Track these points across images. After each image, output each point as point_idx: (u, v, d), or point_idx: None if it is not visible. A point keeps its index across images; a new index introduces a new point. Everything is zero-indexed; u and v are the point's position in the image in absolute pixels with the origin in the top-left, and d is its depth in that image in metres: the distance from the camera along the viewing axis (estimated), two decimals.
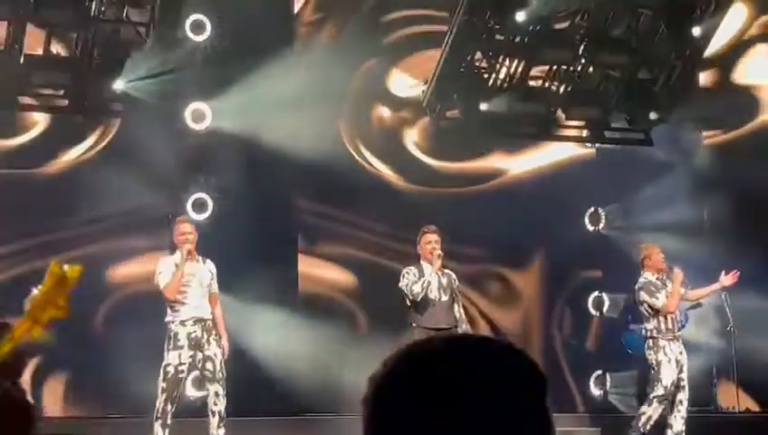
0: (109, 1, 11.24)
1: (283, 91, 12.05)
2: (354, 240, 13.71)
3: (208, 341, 9.46)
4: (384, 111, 14.23)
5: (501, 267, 14.53)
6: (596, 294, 14.71)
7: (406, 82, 14.07)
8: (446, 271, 10.13)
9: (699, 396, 12.35)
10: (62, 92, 11.71)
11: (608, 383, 14.54)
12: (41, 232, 12.31)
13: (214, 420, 9.44)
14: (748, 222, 13.98)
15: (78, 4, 10.98)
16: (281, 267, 12.72)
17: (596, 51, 12.84)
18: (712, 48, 13.82)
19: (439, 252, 9.95)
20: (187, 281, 9.48)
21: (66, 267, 3.20)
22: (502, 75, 12.90)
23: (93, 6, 11.12)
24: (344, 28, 13.92)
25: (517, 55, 12.83)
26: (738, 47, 15.25)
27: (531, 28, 12.50)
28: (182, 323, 9.42)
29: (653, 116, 13.40)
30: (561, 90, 13.20)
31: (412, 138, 14.28)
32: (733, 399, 13.69)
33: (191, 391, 11.71)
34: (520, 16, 12.28)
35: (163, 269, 9.56)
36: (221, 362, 9.47)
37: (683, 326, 11.48)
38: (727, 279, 11.04)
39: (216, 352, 9.47)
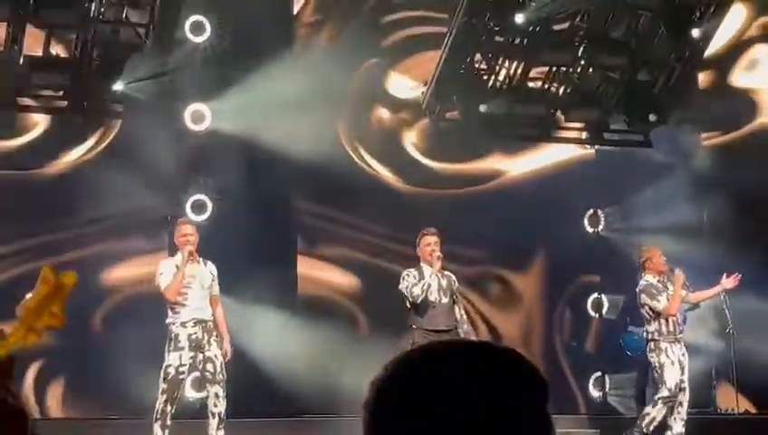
0: (108, 2, 11.24)
1: (283, 93, 12.05)
2: (353, 242, 13.71)
3: (209, 342, 9.46)
4: (383, 113, 14.23)
5: (500, 269, 14.53)
6: (595, 295, 14.72)
7: (405, 84, 14.07)
8: (446, 273, 10.12)
9: (698, 398, 12.34)
10: (61, 93, 11.71)
11: (607, 385, 14.55)
12: (40, 233, 12.30)
13: (213, 422, 9.44)
14: (748, 223, 13.99)
15: (77, 5, 10.99)
16: (280, 269, 12.72)
17: (595, 52, 12.85)
18: (711, 49, 13.82)
19: (439, 254, 9.94)
20: (187, 282, 9.47)
21: (61, 274, 3.19)
22: (501, 77, 12.91)
23: (93, 7, 11.12)
24: (344, 29, 13.92)
25: (517, 57, 12.84)
26: (738, 47, 15.25)
27: (530, 30, 12.51)
28: (183, 324, 9.42)
29: (652, 118, 13.40)
30: (561, 91, 13.21)
31: (411, 139, 14.27)
32: (732, 400, 13.69)
33: (191, 393, 11.72)
34: (519, 18, 12.29)
35: (164, 271, 9.56)
36: (221, 364, 9.46)
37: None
38: (729, 282, 11.04)
39: (217, 353, 9.47)
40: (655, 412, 10.60)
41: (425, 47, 13.86)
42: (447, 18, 12.89)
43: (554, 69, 13.11)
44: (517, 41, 12.75)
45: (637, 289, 10.85)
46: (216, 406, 9.42)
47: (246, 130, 12.44)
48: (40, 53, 11.28)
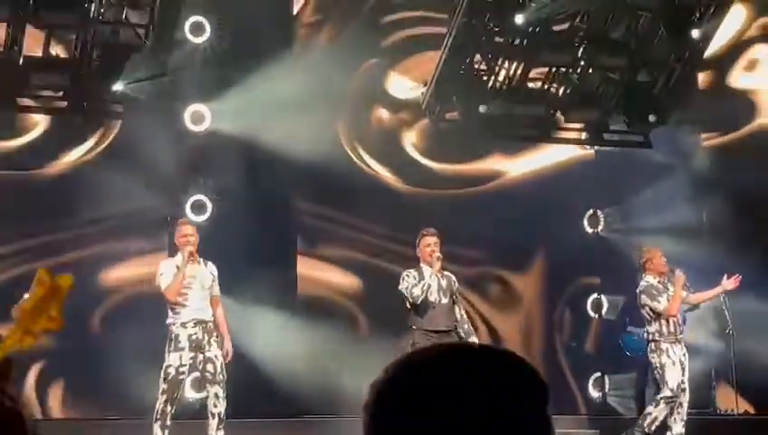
0: (108, 2, 11.24)
1: (283, 93, 12.06)
2: (353, 242, 13.71)
3: (209, 342, 9.46)
4: (383, 113, 14.23)
5: (500, 270, 14.53)
6: (594, 296, 14.72)
7: (405, 84, 14.08)
8: (446, 273, 10.12)
9: (698, 398, 12.34)
10: (61, 94, 11.70)
11: (606, 385, 14.55)
12: (40, 233, 12.31)
13: (213, 422, 9.44)
14: (747, 224, 14.00)
15: (77, 6, 10.98)
16: (280, 269, 12.73)
17: (595, 53, 12.84)
18: (711, 49, 13.81)
19: (439, 254, 9.94)
20: (188, 283, 9.47)
21: (57, 277, 3.18)
22: (501, 77, 12.91)
23: (93, 8, 11.12)
24: (343, 30, 13.92)
25: (516, 57, 12.84)
26: (737, 48, 15.26)
27: (530, 30, 12.50)
28: (183, 325, 9.42)
29: (652, 118, 13.40)
30: (561, 92, 13.21)
31: (411, 139, 14.28)
32: (731, 401, 13.69)
33: (190, 393, 11.72)
34: (519, 19, 12.29)
35: (164, 271, 9.56)
36: (221, 364, 9.46)
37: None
38: (730, 283, 11.03)
39: (217, 353, 9.47)
40: (657, 412, 10.59)
41: (424, 48, 13.86)
42: (447, 19, 12.89)
43: (554, 69, 13.11)
44: (517, 41, 12.75)
45: (637, 290, 10.85)
46: (215, 406, 9.42)
47: (246, 131, 12.44)
48: (40, 54, 11.28)
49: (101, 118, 12.40)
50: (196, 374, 9.94)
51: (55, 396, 12.33)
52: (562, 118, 13.43)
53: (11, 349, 3.19)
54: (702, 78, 15.06)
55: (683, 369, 10.67)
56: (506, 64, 12.87)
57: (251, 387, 11.64)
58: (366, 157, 13.97)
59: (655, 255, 10.82)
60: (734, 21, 14.53)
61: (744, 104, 15.38)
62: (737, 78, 15.40)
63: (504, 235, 13.85)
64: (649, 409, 10.74)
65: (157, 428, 9.31)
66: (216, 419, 9.43)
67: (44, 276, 3.20)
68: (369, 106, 14.10)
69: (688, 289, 10.92)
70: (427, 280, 9.87)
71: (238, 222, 12.34)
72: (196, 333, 9.42)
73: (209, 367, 9.44)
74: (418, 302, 9.80)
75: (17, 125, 12.46)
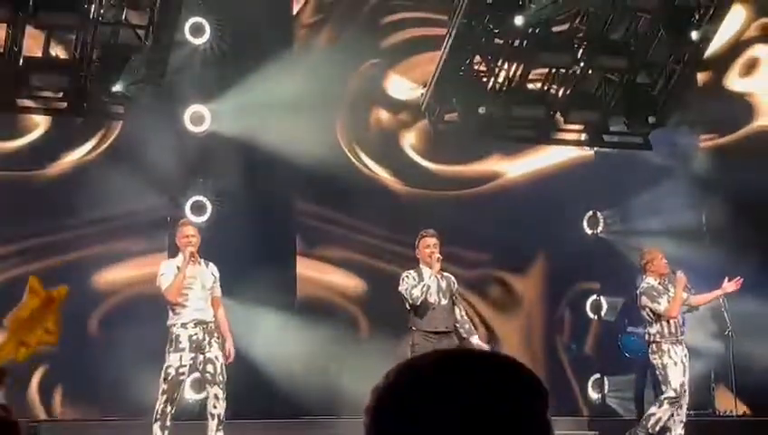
0: (108, 3, 11.23)
1: (282, 94, 12.07)
2: (352, 243, 13.72)
3: (210, 343, 9.46)
4: (382, 114, 14.24)
5: (499, 271, 14.54)
6: (594, 297, 14.73)
7: (404, 85, 14.08)
8: (446, 274, 10.11)
9: (697, 400, 12.35)
10: (60, 95, 11.70)
11: (606, 387, 14.56)
12: (41, 234, 12.31)
13: (213, 423, 9.43)
14: (746, 226, 14.00)
15: (77, 7, 10.98)
16: (279, 270, 12.73)
17: (595, 54, 12.85)
18: (710, 51, 13.81)
19: (438, 255, 9.94)
20: (189, 283, 9.47)
21: (50, 289, 3.18)
22: (501, 78, 12.91)
23: (93, 9, 11.12)
24: (343, 30, 13.93)
25: (516, 59, 12.84)
26: (737, 48, 15.26)
27: (530, 31, 12.51)
28: (183, 325, 9.42)
29: (651, 120, 13.41)
30: (560, 93, 13.21)
31: (410, 141, 14.28)
32: (730, 402, 13.69)
33: (190, 394, 11.72)
34: (519, 20, 12.29)
35: (165, 271, 9.56)
36: (222, 365, 9.46)
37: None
38: (730, 285, 11.02)
39: (218, 354, 9.46)
40: (660, 413, 10.58)
41: (424, 49, 13.87)
42: (447, 20, 12.89)
43: (554, 71, 13.12)
44: (517, 43, 12.76)
45: (637, 291, 10.84)
46: (215, 407, 9.42)
47: (246, 132, 12.46)
48: (40, 55, 11.28)
49: (101, 119, 12.40)
50: (197, 375, 9.95)
51: (55, 397, 12.33)
52: (562, 119, 13.44)
53: (5, 360, 3.19)
54: (701, 79, 15.06)
55: (684, 370, 10.66)
56: (506, 66, 12.88)
57: (250, 388, 11.64)
58: (365, 158, 13.98)
59: (656, 256, 10.82)
60: (733, 22, 14.53)
61: (743, 105, 15.38)
62: (736, 79, 15.41)
63: (503, 236, 13.86)
64: (653, 409, 10.73)
65: (156, 428, 9.30)
66: (216, 420, 9.42)
67: (36, 285, 3.20)
68: (368, 107, 14.11)
69: (689, 291, 10.91)
70: (426, 281, 9.87)
71: (238, 223, 12.35)
72: (196, 334, 9.42)
73: (209, 368, 9.44)
74: (418, 303, 9.80)
75: (18, 126, 12.47)
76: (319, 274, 13.59)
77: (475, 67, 12.92)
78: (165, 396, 9.32)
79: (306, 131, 12.32)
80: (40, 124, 12.52)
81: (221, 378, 9.43)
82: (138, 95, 11.56)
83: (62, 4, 10.96)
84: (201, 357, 9.43)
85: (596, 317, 14.76)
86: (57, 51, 11.70)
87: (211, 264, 9.75)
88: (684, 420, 10.70)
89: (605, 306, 14.70)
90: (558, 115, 13.36)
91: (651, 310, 10.63)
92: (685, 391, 10.66)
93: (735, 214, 14.10)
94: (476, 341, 10.05)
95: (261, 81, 12.30)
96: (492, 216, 13.92)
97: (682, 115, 13.92)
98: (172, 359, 9.36)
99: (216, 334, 9.52)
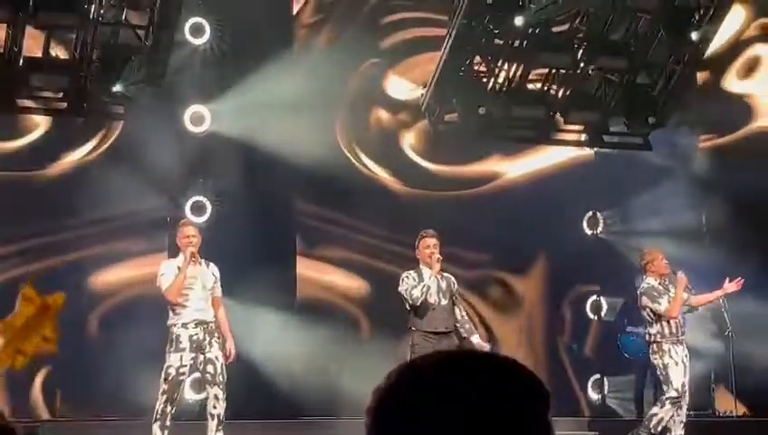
0: (108, 3, 11.23)
1: (282, 94, 12.08)
2: (353, 243, 13.72)
3: (210, 343, 9.46)
4: (382, 114, 14.24)
5: (499, 272, 14.53)
6: (594, 298, 14.73)
7: (404, 85, 14.08)
8: (445, 274, 10.12)
9: (697, 400, 12.35)
10: (60, 95, 11.70)
11: (606, 387, 14.56)
12: (41, 234, 12.31)
13: (212, 424, 9.43)
14: (746, 226, 14.00)
15: (77, 7, 10.98)
16: (279, 270, 12.73)
17: (595, 55, 12.84)
18: (710, 51, 13.81)
19: (438, 256, 9.94)
20: (189, 284, 9.48)
21: (48, 296, 3.18)
22: (501, 79, 12.91)
23: (93, 9, 11.12)
24: (343, 30, 13.93)
25: (516, 59, 12.84)
26: (736, 47, 15.27)
27: (530, 32, 12.51)
28: (184, 325, 9.42)
29: (651, 120, 13.41)
30: (560, 94, 13.21)
31: (409, 141, 14.28)
32: (730, 403, 13.69)
33: (190, 394, 11.72)
34: (519, 20, 12.29)
35: (166, 271, 9.57)
36: (222, 365, 9.46)
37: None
38: (731, 286, 11.02)
39: (218, 354, 9.47)
40: (663, 413, 10.58)
41: (424, 49, 13.87)
42: (447, 20, 12.89)
43: (554, 71, 13.11)
44: (517, 43, 12.75)
45: (638, 291, 10.84)
46: (215, 408, 9.42)
47: (245, 132, 12.46)
48: (39, 55, 11.28)
49: (101, 119, 12.40)
50: (197, 375, 9.95)
51: (56, 397, 12.32)
52: (562, 119, 13.44)
53: (2, 369, 3.18)
54: (701, 80, 15.06)
55: (685, 370, 10.66)
56: (506, 66, 12.87)
57: (250, 388, 11.64)
58: (365, 158, 13.98)
59: (656, 257, 10.82)
60: (732, 22, 14.53)
61: (742, 105, 15.39)
62: (736, 79, 15.41)
63: (503, 236, 13.86)
64: (655, 409, 10.72)
65: (156, 428, 9.31)
66: (216, 420, 9.42)
67: (30, 293, 3.20)
68: (368, 107, 14.11)
69: (690, 291, 10.91)
70: (426, 282, 9.87)
71: (238, 223, 12.35)
72: (197, 334, 9.42)
73: (209, 368, 9.44)
74: (418, 303, 9.80)
75: (18, 126, 12.47)
76: (319, 274, 13.59)
77: (476, 67, 12.92)
78: (165, 396, 9.32)
79: (306, 131, 12.32)
80: (40, 124, 12.52)
81: (221, 378, 9.43)
82: (138, 95, 11.56)
83: (62, 4, 10.96)
84: (201, 357, 9.43)
85: (596, 318, 14.76)
86: (57, 51, 11.69)
87: (212, 264, 9.75)
88: (684, 420, 10.71)
89: (605, 307, 14.70)
90: (558, 115, 13.36)
91: (652, 310, 10.64)
92: (685, 392, 10.66)
93: (735, 214, 14.11)
94: (477, 340, 10.05)
95: (261, 81, 12.30)
96: (492, 216, 13.92)
97: (682, 116, 13.92)
98: (172, 359, 9.37)
99: (216, 335, 9.52)
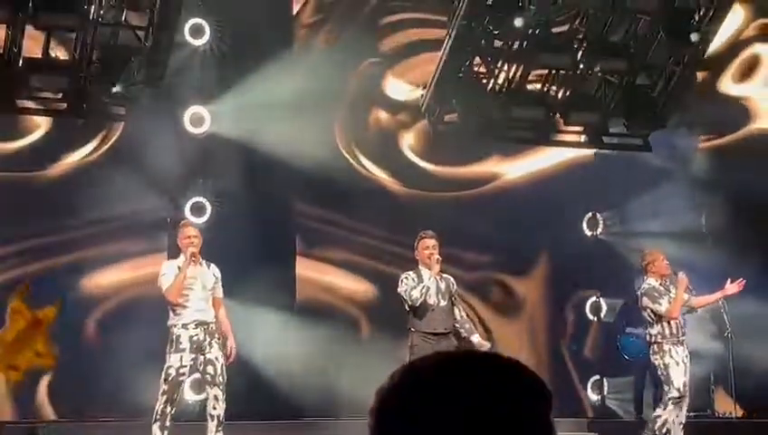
0: (108, 4, 11.23)
1: (282, 95, 12.08)
2: (352, 244, 13.72)
3: (210, 344, 9.46)
4: (381, 115, 14.24)
5: (499, 273, 14.53)
6: (593, 299, 14.72)
7: (403, 86, 14.09)
8: (445, 275, 10.12)
9: (696, 401, 12.35)
10: (60, 96, 11.70)
11: (605, 388, 14.56)
12: (41, 234, 12.32)
13: (212, 424, 9.44)
14: (746, 227, 14.01)
15: (77, 8, 10.97)
16: (279, 271, 12.73)
17: (594, 56, 12.84)
18: (709, 51, 13.81)
19: (438, 257, 9.95)
20: (189, 284, 9.48)
21: (35, 310, 3.17)
22: (500, 80, 12.91)
23: (92, 10, 11.11)
24: (343, 30, 13.93)
25: (516, 60, 12.84)
26: (736, 47, 15.27)
27: (529, 33, 12.51)
28: (184, 326, 9.42)
29: (651, 121, 13.40)
30: (560, 95, 13.21)
31: (409, 142, 14.28)
32: (729, 404, 13.69)
33: (190, 395, 11.72)
34: (518, 21, 12.29)
35: (166, 271, 9.57)
36: (222, 366, 9.47)
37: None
38: (732, 287, 11.02)
39: (218, 355, 9.47)
40: (666, 414, 10.57)
41: (423, 49, 13.87)
42: (446, 21, 12.89)
43: (553, 72, 13.11)
44: (516, 44, 12.75)
45: (639, 292, 10.84)
46: (215, 408, 9.42)
47: (245, 133, 12.46)
48: (39, 56, 11.28)
49: (101, 120, 12.40)
50: (196, 376, 9.95)
51: (56, 397, 12.32)
52: (562, 121, 13.43)
53: None
54: (701, 80, 15.05)
55: (685, 370, 10.66)
56: (506, 67, 12.87)
57: (250, 389, 11.64)
58: (363, 159, 13.98)
59: (657, 257, 10.82)
60: (732, 22, 14.52)
61: (741, 106, 15.39)
62: (735, 80, 15.41)
63: (502, 237, 13.87)
64: (658, 411, 10.71)
65: (156, 428, 9.31)
66: (215, 421, 9.43)
67: (20, 306, 3.19)
68: (367, 107, 14.11)
69: (691, 292, 10.91)
70: (425, 282, 9.87)
71: (237, 224, 12.36)
72: (197, 335, 9.42)
73: (209, 369, 9.44)
74: (417, 304, 9.81)
75: (18, 126, 12.47)
76: (318, 274, 13.59)
77: (475, 68, 12.92)
78: (165, 397, 9.32)
79: (306, 132, 12.33)
80: (41, 125, 12.52)
81: (221, 379, 9.43)
82: (137, 96, 11.56)
83: (61, 5, 10.95)
84: (201, 358, 9.43)
85: (595, 319, 14.75)
86: (57, 52, 11.68)
87: (213, 265, 9.76)
88: (683, 421, 10.70)
89: (604, 308, 14.70)
90: (558, 116, 13.35)
91: (652, 311, 10.64)
92: (686, 392, 10.66)
93: (735, 215, 14.11)
94: (477, 340, 10.06)
95: (260, 81, 12.30)
96: (491, 217, 13.92)
97: (681, 117, 13.91)
98: (173, 359, 9.37)
99: (216, 335, 9.52)
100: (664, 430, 10.55)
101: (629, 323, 13.43)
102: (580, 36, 12.85)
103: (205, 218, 12.40)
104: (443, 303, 9.92)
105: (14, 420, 11.68)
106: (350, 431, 10.82)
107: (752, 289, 11.72)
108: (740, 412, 13.77)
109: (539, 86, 13.17)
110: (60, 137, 12.59)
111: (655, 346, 10.68)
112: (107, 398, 11.98)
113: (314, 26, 14.01)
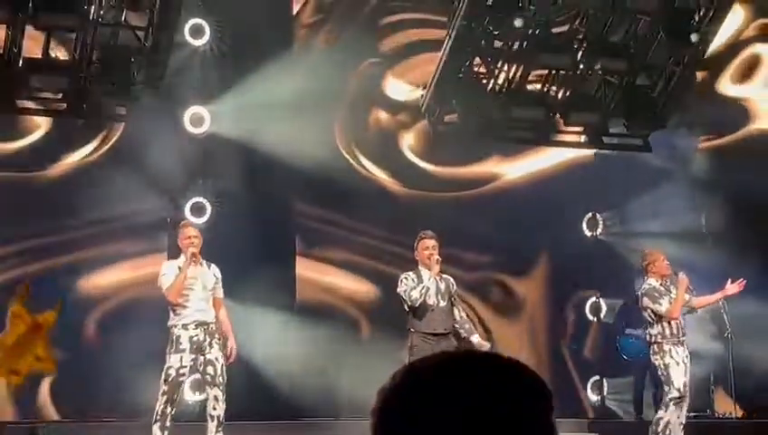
0: (108, 5, 11.23)
1: (282, 95, 12.08)
2: (352, 244, 13.72)
3: (210, 344, 9.46)
4: (381, 115, 14.24)
5: (498, 273, 14.53)
6: (593, 299, 14.73)
7: (403, 86, 14.09)
8: (444, 276, 10.11)
9: (696, 402, 12.35)
10: (60, 96, 11.70)
11: (605, 389, 14.56)
12: (41, 235, 12.32)
13: (212, 425, 9.44)
14: (746, 227, 14.01)
15: (77, 8, 10.97)
16: (279, 271, 12.73)
17: (594, 56, 12.84)
18: (709, 52, 13.81)
19: (437, 257, 9.94)
20: (190, 284, 9.48)
21: (36, 314, 3.18)
22: (500, 80, 12.91)
23: (92, 10, 11.11)
24: (343, 30, 13.93)
25: (516, 60, 12.84)
26: (735, 48, 15.27)
27: (529, 33, 12.51)
28: (184, 326, 9.42)
29: (651, 122, 13.40)
30: (560, 95, 13.21)
31: (409, 142, 14.29)
32: (729, 404, 13.69)
33: (190, 395, 11.72)
34: (518, 22, 12.29)
35: (167, 272, 9.57)
36: (222, 366, 9.47)
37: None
38: (733, 287, 11.02)
39: (218, 356, 9.47)
40: (668, 415, 10.57)
41: (423, 50, 13.87)
42: (446, 21, 12.89)
43: (553, 72, 13.12)
44: (516, 44, 12.75)
45: (639, 292, 10.84)
46: (215, 409, 9.42)
47: (245, 133, 12.46)
48: (39, 56, 11.28)
49: (101, 120, 12.40)
50: (196, 376, 9.95)
51: (55, 397, 12.32)
52: (562, 121, 13.44)
53: None
54: (700, 80, 15.06)
55: (686, 370, 10.66)
56: (506, 67, 12.87)
57: (250, 389, 11.64)
58: (363, 159, 13.98)
59: (657, 258, 10.81)
60: (732, 23, 14.53)
61: (741, 106, 15.39)
62: (735, 80, 15.41)
63: (502, 238, 13.87)
64: (660, 413, 10.70)
65: (156, 429, 9.31)
66: (215, 421, 9.43)
67: (20, 310, 3.19)
68: (367, 108, 14.12)
69: (691, 292, 10.91)
70: (425, 283, 9.86)
71: (237, 224, 12.35)
72: (197, 335, 9.42)
73: (209, 369, 9.44)
74: (417, 305, 9.80)
75: (19, 127, 12.47)
76: (318, 275, 13.60)
77: (475, 69, 12.92)
78: (165, 397, 9.32)
79: (306, 132, 12.32)
80: (41, 125, 12.53)
81: (221, 380, 9.43)
82: (137, 96, 11.56)
83: (61, 5, 10.95)
84: (201, 358, 9.43)
85: (595, 319, 14.75)
86: (57, 52, 11.69)
87: (213, 265, 9.76)
88: (683, 422, 10.70)
89: (604, 308, 14.70)
90: (558, 117, 13.36)
91: (653, 311, 10.63)
92: (687, 392, 10.65)
93: (735, 215, 14.11)
94: (477, 340, 10.05)
95: (261, 81, 12.30)
96: (491, 217, 13.92)
97: (681, 117, 13.92)
98: (173, 360, 9.37)
99: (216, 336, 9.52)
100: (667, 432, 10.54)
101: (629, 324, 13.43)
102: (581, 36, 12.85)
103: (205, 219, 12.40)
104: (443, 303, 9.91)
105: (15, 421, 11.69)
106: (350, 431, 10.83)
107: (752, 289, 11.72)
108: (740, 413, 13.78)
109: (539, 86, 13.18)
110: (60, 137, 12.59)
111: (655, 346, 10.68)
112: (107, 398, 11.98)
113: (314, 26, 14.01)
